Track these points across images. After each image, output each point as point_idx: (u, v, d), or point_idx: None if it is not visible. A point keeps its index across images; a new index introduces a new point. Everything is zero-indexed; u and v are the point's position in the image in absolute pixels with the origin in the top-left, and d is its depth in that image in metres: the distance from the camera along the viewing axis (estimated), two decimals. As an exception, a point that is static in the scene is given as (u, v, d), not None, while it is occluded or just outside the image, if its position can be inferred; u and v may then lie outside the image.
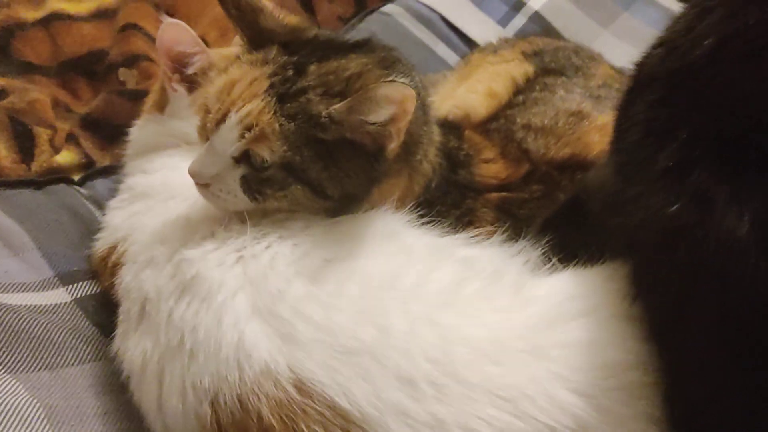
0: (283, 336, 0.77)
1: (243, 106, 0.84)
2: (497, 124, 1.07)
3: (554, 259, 0.85)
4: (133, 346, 0.87)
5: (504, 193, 0.99)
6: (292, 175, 0.84)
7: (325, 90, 0.84)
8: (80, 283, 1.08)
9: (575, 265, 0.84)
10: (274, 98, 0.84)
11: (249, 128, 0.83)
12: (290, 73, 0.86)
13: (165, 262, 0.89)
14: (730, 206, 0.60)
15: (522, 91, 1.12)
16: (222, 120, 0.85)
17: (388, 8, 1.59)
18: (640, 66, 0.77)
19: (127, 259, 0.98)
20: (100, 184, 1.27)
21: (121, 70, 1.45)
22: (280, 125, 0.83)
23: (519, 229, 0.93)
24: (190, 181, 1.04)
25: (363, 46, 0.93)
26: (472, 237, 0.89)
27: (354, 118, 0.82)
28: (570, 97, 1.09)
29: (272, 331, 0.77)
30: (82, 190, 1.25)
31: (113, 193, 1.20)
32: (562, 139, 1.02)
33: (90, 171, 1.30)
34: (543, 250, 0.86)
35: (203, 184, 0.88)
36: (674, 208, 0.64)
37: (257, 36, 0.92)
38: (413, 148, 0.92)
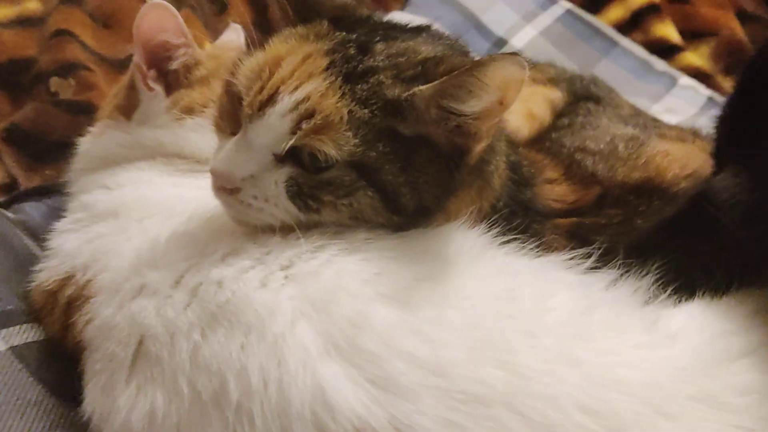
0: (376, 379, 0.55)
1: (299, 86, 0.64)
2: (543, 146, 0.93)
3: (670, 286, 0.70)
4: (127, 404, 0.62)
5: (576, 219, 0.84)
6: (364, 176, 0.65)
7: (396, 73, 0.67)
8: (16, 327, 0.80)
9: (700, 292, 0.69)
10: (339, 78, 0.65)
11: (308, 116, 0.64)
12: (352, 51, 0.68)
13: (169, 288, 0.66)
14: None
15: (564, 114, 1.00)
16: (268, 104, 0.65)
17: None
18: None
19: (98, 289, 0.73)
20: (31, 209, 1.00)
21: (53, 80, 1.20)
22: (350, 112, 0.64)
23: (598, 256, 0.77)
24: (176, 197, 0.82)
25: (426, 31, 0.76)
26: (566, 260, 0.72)
27: (442, 106, 0.65)
28: (616, 123, 0.99)
29: (358, 373, 0.56)
30: (9, 214, 0.97)
31: (49, 218, 0.95)
32: (628, 163, 0.89)
33: (16, 193, 1.03)
34: (654, 277, 0.70)
35: (229, 189, 0.66)
36: None
37: (302, 7, 0.73)
38: (489, 155, 0.75)
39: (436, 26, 0.80)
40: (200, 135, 0.91)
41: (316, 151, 0.64)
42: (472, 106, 0.65)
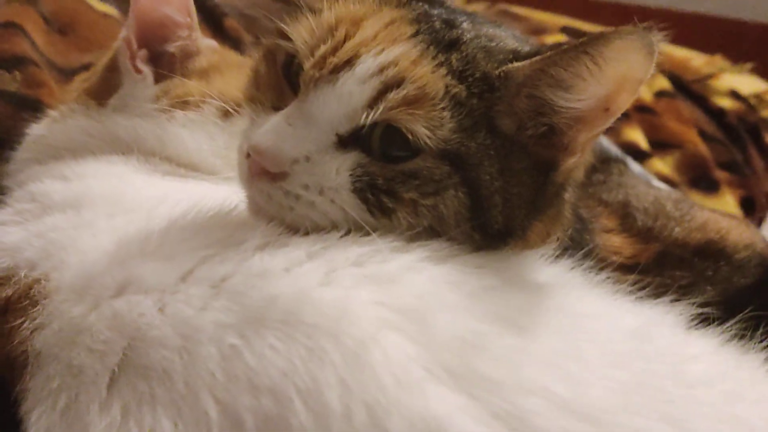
0: (504, 415, 0.39)
1: (384, 49, 0.51)
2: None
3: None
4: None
5: (638, 276, 0.72)
6: (459, 171, 0.51)
7: (488, 53, 0.55)
8: None
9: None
10: (431, 46, 0.53)
11: (397, 84, 0.50)
12: (438, 24, 0.56)
13: (175, 283, 0.49)
14: None
15: (597, 171, 0.91)
16: (343, 68, 0.51)
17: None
18: None
19: (53, 290, 0.54)
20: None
21: (-3, 72, 0.99)
22: (447, 86, 0.51)
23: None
24: (158, 196, 0.66)
25: (502, 27, 0.65)
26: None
27: (537, 94, 0.53)
28: (650, 186, 0.91)
29: (479, 405, 0.39)
30: None
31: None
32: (683, 224, 0.80)
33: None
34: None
35: (273, 174, 0.51)
36: None
37: None
38: (568, 181, 0.62)
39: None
40: (191, 133, 0.75)
41: (405, 129, 0.50)
42: (572, 99, 0.53)
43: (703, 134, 1.79)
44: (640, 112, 1.77)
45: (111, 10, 1.34)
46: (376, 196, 0.51)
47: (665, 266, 0.74)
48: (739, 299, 0.72)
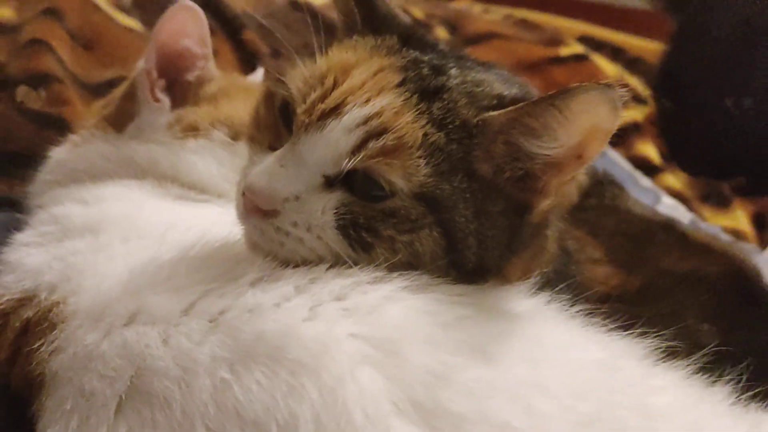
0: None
1: (369, 99, 0.55)
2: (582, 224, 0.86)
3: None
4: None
5: (617, 305, 0.75)
6: (434, 212, 0.55)
7: (470, 100, 0.58)
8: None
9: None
10: (415, 95, 0.56)
11: (378, 134, 0.54)
12: (426, 71, 0.60)
13: (179, 315, 0.53)
14: None
15: (592, 194, 0.94)
16: (331, 115, 0.55)
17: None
18: None
19: (70, 314, 0.59)
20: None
21: (21, 89, 1.06)
22: (425, 134, 0.55)
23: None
24: (169, 222, 0.70)
25: (495, 68, 0.69)
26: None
27: (512, 141, 0.56)
28: (646, 210, 0.94)
29: None
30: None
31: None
32: (672, 251, 0.83)
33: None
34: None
35: (265, 212, 0.55)
36: None
37: (371, 17, 0.65)
38: (552, 218, 0.66)
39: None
40: (201, 159, 0.80)
41: (380, 177, 0.54)
42: (544, 147, 0.56)
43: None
44: (653, 124, 1.79)
45: (134, 23, 1.39)
46: (357, 232, 0.55)
47: (647, 296, 0.77)
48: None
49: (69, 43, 1.21)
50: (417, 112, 0.55)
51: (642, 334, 0.64)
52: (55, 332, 0.58)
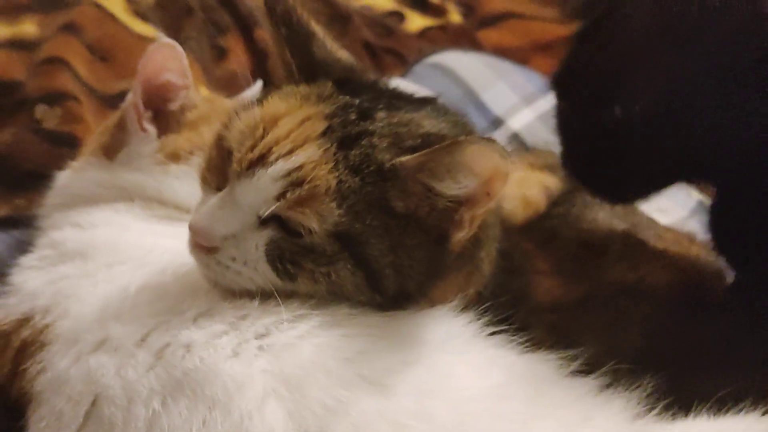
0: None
1: (292, 151, 0.62)
2: (539, 233, 0.91)
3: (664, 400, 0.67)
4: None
5: (559, 315, 0.81)
6: (348, 248, 0.62)
7: (393, 141, 0.64)
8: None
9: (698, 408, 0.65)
10: (334, 145, 0.63)
11: (297, 184, 0.61)
12: (353, 116, 0.66)
13: (134, 346, 0.62)
14: None
15: (560, 203, 0.98)
16: (258, 163, 0.62)
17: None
18: None
19: (55, 337, 0.68)
20: (-5, 238, 0.95)
21: (39, 107, 1.16)
22: (340, 181, 0.61)
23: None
24: (150, 245, 0.78)
25: (432, 103, 0.74)
26: (557, 359, 0.68)
27: (424, 182, 0.62)
28: (610, 219, 0.97)
29: None
30: (-30, 243, 0.92)
31: (15, 251, 0.90)
32: (623, 261, 0.87)
33: (-19, 221, 0.97)
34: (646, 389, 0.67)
35: (207, 248, 0.63)
36: None
37: (307, 65, 0.71)
38: (482, 241, 0.72)
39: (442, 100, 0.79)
40: (183, 183, 0.88)
41: (297, 223, 0.61)
42: (451, 189, 0.62)
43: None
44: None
45: (149, 30, 1.48)
46: (284, 265, 0.62)
47: (588, 307, 0.82)
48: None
49: (87, 57, 1.30)
50: (334, 161, 0.62)
51: (565, 348, 0.71)
52: (42, 353, 0.68)
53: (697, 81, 0.72)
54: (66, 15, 1.35)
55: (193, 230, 0.64)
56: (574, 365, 0.69)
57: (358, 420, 0.54)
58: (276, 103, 0.67)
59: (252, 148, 0.63)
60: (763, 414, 0.64)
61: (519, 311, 0.79)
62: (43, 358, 0.67)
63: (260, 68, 1.54)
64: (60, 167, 0.97)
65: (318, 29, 0.74)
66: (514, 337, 0.69)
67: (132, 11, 1.51)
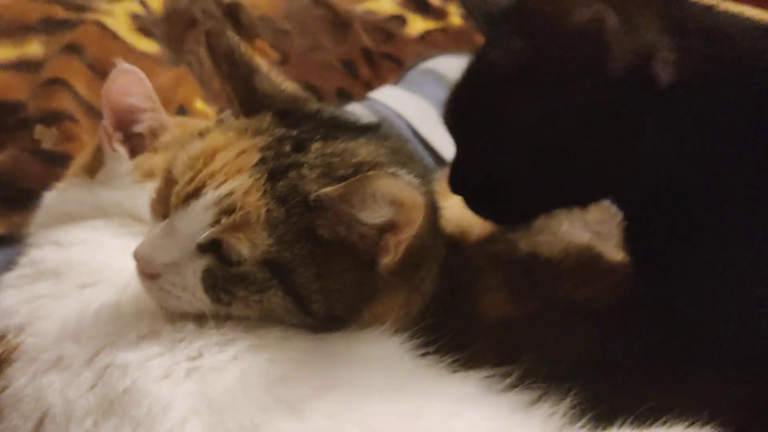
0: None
1: (225, 181, 0.66)
2: (495, 247, 0.93)
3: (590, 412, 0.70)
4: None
5: (507, 332, 0.83)
6: (276, 276, 0.66)
7: (325, 171, 0.68)
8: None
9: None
10: (264, 175, 0.66)
11: (229, 212, 0.65)
12: (287, 148, 0.70)
13: (82, 365, 0.67)
14: None
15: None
16: (194, 195, 0.67)
17: (350, 108, 1.46)
18: None
19: (21, 354, 0.74)
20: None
21: (38, 128, 1.22)
22: (268, 210, 0.65)
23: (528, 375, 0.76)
24: (122, 264, 0.82)
25: (374, 130, 0.78)
26: (485, 377, 0.71)
27: (345, 211, 0.66)
28: (574, 230, 0.98)
29: None
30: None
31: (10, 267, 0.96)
32: (575, 278, 0.88)
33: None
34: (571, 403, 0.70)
35: (150, 275, 0.68)
36: None
37: (250, 99, 0.75)
38: (420, 263, 0.75)
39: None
40: None
41: (229, 247, 0.65)
42: (371, 218, 0.66)
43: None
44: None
45: (151, 46, 1.54)
46: (218, 292, 0.66)
47: (534, 325, 0.83)
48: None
49: (87, 75, 1.36)
50: (263, 192, 0.66)
51: (510, 365, 0.74)
52: (9, 370, 0.74)
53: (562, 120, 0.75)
54: (69, 35, 1.42)
55: (136, 258, 0.68)
56: (507, 382, 0.72)
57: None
58: (216, 137, 0.71)
59: (190, 181, 0.68)
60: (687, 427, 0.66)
61: (463, 329, 0.82)
62: (7, 375, 0.73)
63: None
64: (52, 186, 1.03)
65: (261, 64, 0.78)
66: (447, 356, 0.72)
67: (136, 28, 1.57)
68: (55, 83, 1.30)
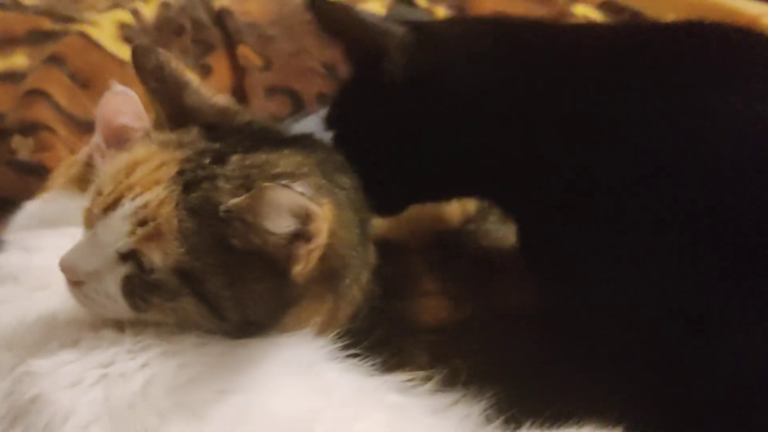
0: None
1: (140, 193, 0.69)
2: (435, 254, 0.94)
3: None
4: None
5: (440, 337, 0.84)
6: (188, 284, 0.68)
7: (243, 183, 0.69)
8: None
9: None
10: (180, 187, 0.69)
11: (143, 222, 0.67)
12: (207, 161, 0.71)
13: (6, 373, 0.69)
14: None
15: (474, 220, 1.01)
16: (112, 206, 0.69)
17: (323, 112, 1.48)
18: None
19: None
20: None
21: (16, 138, 1.26)
22: (180, 221, 0.67)
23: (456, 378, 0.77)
24: None
25: (302, 141, 0.80)
26: (403, 381, 0.73)
27: (253, 221, 0.67)
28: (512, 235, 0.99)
29: None
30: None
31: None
32: (515, 282, 0.90)
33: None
34: (488, 404, 0.72)
35: (76, 282, 0.70)
36: None
37: (177, 114, 0.78)
38: (341, 271, 0.77)
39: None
40: None
41: (144, 256, 0.67)
42: (277, 228, 0.67)
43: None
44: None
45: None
46: (135, 299, 0.69)
47: (467, 330, 0.84)
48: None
49: (68, 86, 1.39)
50: (176, 203, 0.67)
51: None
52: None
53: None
54: (52, 47, 1.46)
55: (61, 266, 0.71)
56: (427, 385, 0.74)
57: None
58: (139, 150, 0.74)
59: (110, 192, 0.70)
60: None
61: (396, 333, 0.83)
62: None
63: (241, 87, 1.61)
64: (28, 195, 1.06)
65: (192, 78, 0.80)
66: (371, 361, 0.74)
67: (122, 37, 1.61)
68: (35, 94, 1.34)
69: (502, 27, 0.89)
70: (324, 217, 0.65)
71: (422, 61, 0.85)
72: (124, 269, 0.69)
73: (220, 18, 1.80)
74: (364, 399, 0.69)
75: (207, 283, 0.68)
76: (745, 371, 0.67)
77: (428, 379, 0.74)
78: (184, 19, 1.79)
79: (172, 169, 0.70)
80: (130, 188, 0.69)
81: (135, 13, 1.76)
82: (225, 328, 0.71)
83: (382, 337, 0.81)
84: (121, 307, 0.70)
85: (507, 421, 0.71)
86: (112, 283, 0.69)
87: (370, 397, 0.69)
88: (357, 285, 0.80)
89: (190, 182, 0.69)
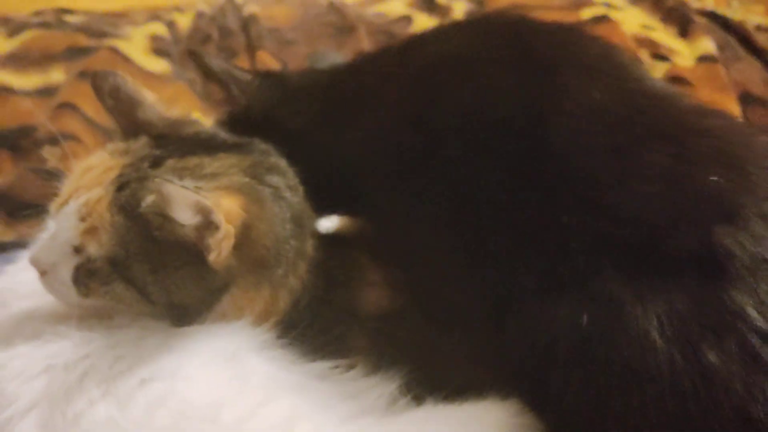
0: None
1: (83, 193, 0.79)
2: (379, 244, 0.99)
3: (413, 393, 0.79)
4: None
5: (380, 326, 0.90)
6: (117, 271, 0.78)
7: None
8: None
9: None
10: (114, 187, 0.78)
11: (84, 218, 0.78)
12: (145, 165, 0.81)
13: None
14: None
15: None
16: (63, 205, 0.79)
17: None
18: None
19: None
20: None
21: (46, 148, 1.40)
22: (111, 216, 0.77)
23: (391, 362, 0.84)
24: None
25: (242, 147, 0.88)
26: (329, 368, 0.80)
27: (168, 214, 0.74)
28: None
29: None
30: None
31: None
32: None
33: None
34: (402, 383, 0.79)
35: (42, 272, 0.81)
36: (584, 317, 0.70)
37: (131, 127, 0.87)
38: (272, 262, 0.84)
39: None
40: None
41: (85, 247, 0.77)
42: (184, 219, 0.74)
43: (747, 97, 1.69)
44: (673, 83, 1.74)
45: (160, 65, 1.70)
46: (80, 285, 0.78)
47: (407, 318, 0.90)
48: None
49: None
50: (110, 200, 0.77)
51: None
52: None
53: None
54: (84, 62, 1.60)
55: (30, 259, 0.81)
56: (351, 371, 0.81)
57: (89, 428, 0.68)
58: (95, 158, 0.84)
59: (65, 193, 0.81)
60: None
61: (337, 322, 0.90)
62: None
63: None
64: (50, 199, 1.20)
65: (147, 95, 0.90)
66: (301, 349, 0.81)
67: (152, 49, 1.74)
68: (66, 107, 1.48)
69: (339, 74, 1.10)
70: (220, 208, 0.73)
71: (262, 101, 1.08)
72: (75, 260, 0.79)
73: (247, 24, 1.91)
74: (278, 385, 0.76)
75: (132, 269, 0.77)
76: (543, 341, 0.73)
77: (353, 366, 0.81)
78: (212, 28, 1.91)
79: (115, 173, 0.80)
80: (77, 189, 0.80)
81: (170, 24, 1.90)
82: (157, 311, 0.80)
83: (324, 326, 0.89)
84: (72, 294, 0.79)
85: (414, 399, 0.77)
86: (66, 273, 0.79)
87: (284, 384, 0.76)
88: (294, 276, 0.87)
89: (124, 183, 0.79)
